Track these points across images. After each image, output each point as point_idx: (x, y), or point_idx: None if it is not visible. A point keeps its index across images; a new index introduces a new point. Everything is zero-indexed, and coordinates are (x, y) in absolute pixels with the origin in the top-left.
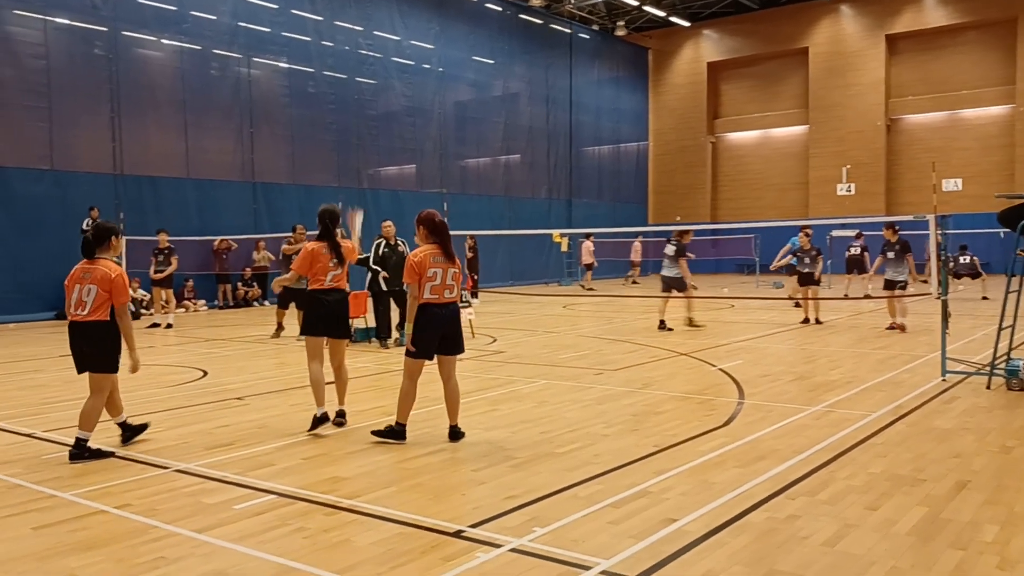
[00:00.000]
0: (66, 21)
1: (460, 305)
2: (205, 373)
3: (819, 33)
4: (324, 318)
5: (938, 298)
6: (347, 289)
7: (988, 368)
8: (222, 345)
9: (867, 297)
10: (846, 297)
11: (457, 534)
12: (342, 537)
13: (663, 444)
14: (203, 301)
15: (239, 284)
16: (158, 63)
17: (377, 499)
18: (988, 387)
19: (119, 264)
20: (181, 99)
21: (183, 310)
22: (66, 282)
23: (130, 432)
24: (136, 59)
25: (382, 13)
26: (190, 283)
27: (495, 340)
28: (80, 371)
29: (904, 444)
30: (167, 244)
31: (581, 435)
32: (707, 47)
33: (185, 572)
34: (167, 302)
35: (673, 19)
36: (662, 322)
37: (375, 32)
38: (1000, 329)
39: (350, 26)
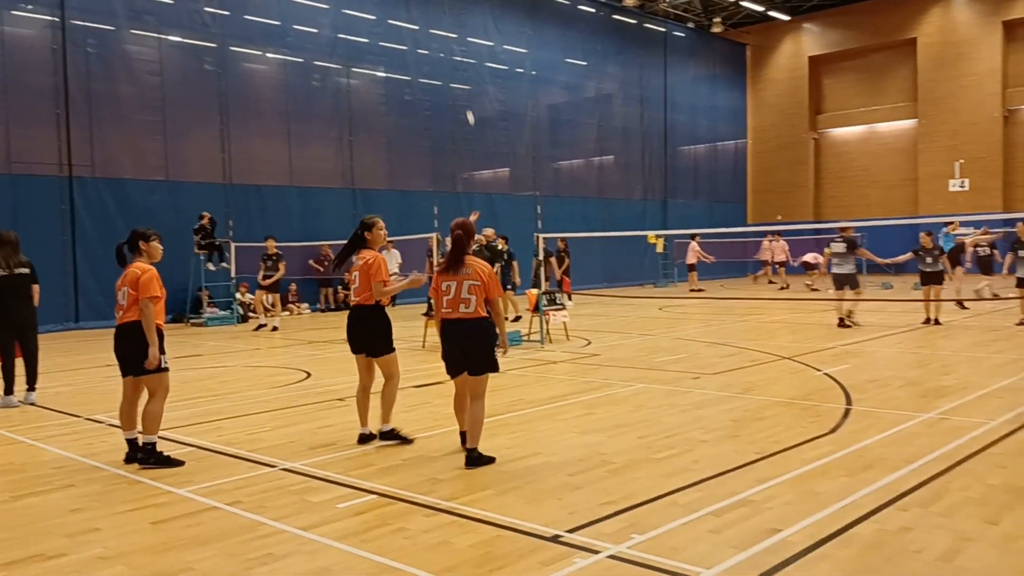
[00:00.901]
0: (178, 39)
1: (552, 308)
2: (309, 374)
3: (928, 23)
4: (351, 334)
5: None
6: (376, 304)
7: None
8: (324, 347)
9: (996, 297)
10: (980, 298)
11: (554, 539)
12: (441, 538)
13: (765, 451)
14: (306, 304)
15: (339, 288)
16: (263, 76)
17: (474, 501)
18: None
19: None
20: (284, 110)
21: (288, 313)
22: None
23: (137, 451)
24: (243, 73)
25: (476, 20)
26: (294, 287)
27: (589, 343)
28: (124, 375)
29: None
30: (275, 250)
31: (679, 441)
32: (808, 41)
33: (291, 568)
34: (272, 305)
35: (772, 13)
36: (841, 320)
37: (469, 38)
38: None
39: (445, 33)
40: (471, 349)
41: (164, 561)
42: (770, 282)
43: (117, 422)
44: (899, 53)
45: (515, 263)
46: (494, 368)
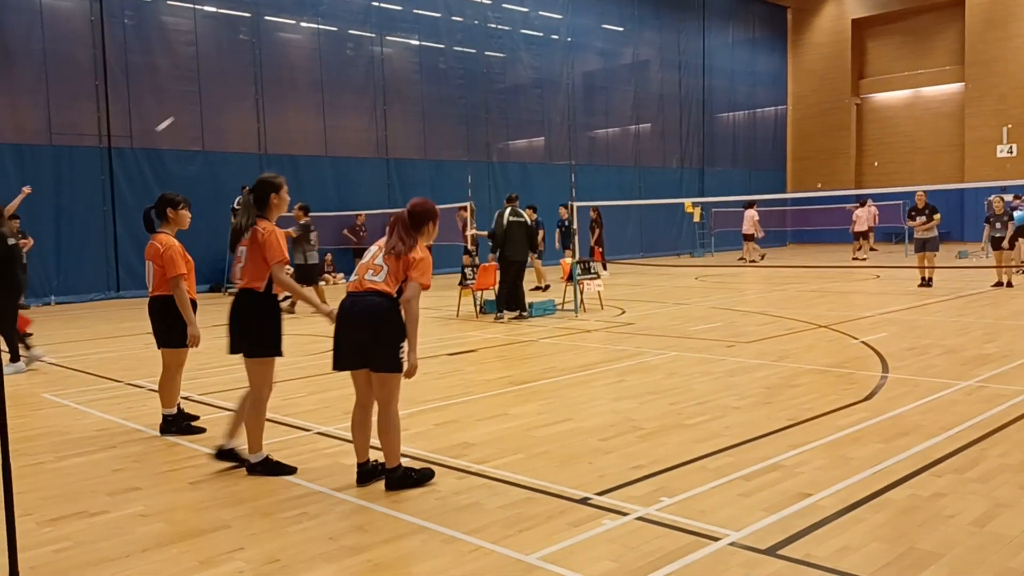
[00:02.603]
0: (213, 9)
1: (587, 277)
2: None
3: None
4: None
5: None
6: (252, 288)
7: None
8: None
9: None
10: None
11: (584, 501)
12: (472, 500)
13: (798, 418)
14: (342, 274)
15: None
16: (297, 46)
17: (505, 465)
18: None
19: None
20: (319, 79)
21: (323, 282)
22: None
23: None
24: (277, 43)
25: None
26: (329, 257)
27: (624, 312)
28: (159, 346)
29: None
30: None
31: (711, 407)
32: (851, 3)
33: (325, 527)
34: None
35: None
36: (924, 279)
37: (504, 5)
38: None
39: (479, 0)
40: (377, 334)
41: (202, 518)
42: (869, 252)
43: (156, 387)
44: (945, 14)
45: (541, 231)
46: (398, 367)
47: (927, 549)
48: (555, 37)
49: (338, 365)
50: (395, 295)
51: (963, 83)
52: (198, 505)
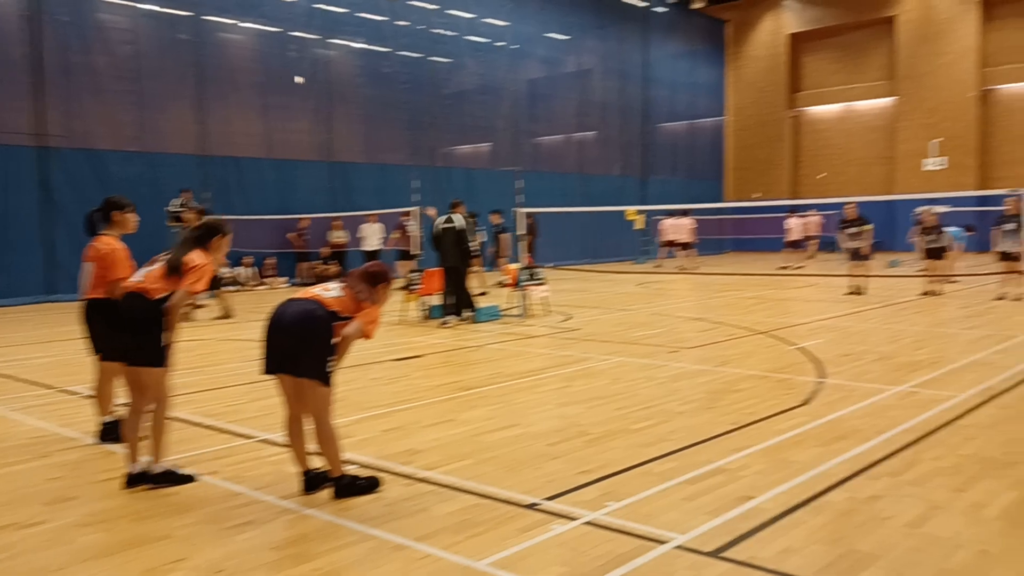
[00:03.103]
0: (152, 7)
1: (532, 283)
2: None
3: (907, 0)
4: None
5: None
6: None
7: None
8: None
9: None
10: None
11: (532, 506)
12: (420, 506)
13: (740, 422)
14: (284, 278)
15: (316, 262)
16: (239, 46)
17: (453, 471)
18: None
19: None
20: (261, 81)
21: (265, 286)
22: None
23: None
24: (218, 43)
25: None
26: (271, 260)
27: (569, 317)
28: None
29: (995, 427)
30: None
31: (656, 412)
32: (788, 18)
33: (271, 535)
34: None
35: None
36: (854, 288)
37: (448, 11)
38: None
39: (424, 5)
40: (303, 340)
41: (142, 528)
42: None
43: (93, 393)
44: (878, 31)
45: (479, 237)
46: (323, 377)
47: (866, 551)
48: (500, 44)
49: (266, 369)
50: (338, 315)
51: (894, 97)
52: (139, 514)
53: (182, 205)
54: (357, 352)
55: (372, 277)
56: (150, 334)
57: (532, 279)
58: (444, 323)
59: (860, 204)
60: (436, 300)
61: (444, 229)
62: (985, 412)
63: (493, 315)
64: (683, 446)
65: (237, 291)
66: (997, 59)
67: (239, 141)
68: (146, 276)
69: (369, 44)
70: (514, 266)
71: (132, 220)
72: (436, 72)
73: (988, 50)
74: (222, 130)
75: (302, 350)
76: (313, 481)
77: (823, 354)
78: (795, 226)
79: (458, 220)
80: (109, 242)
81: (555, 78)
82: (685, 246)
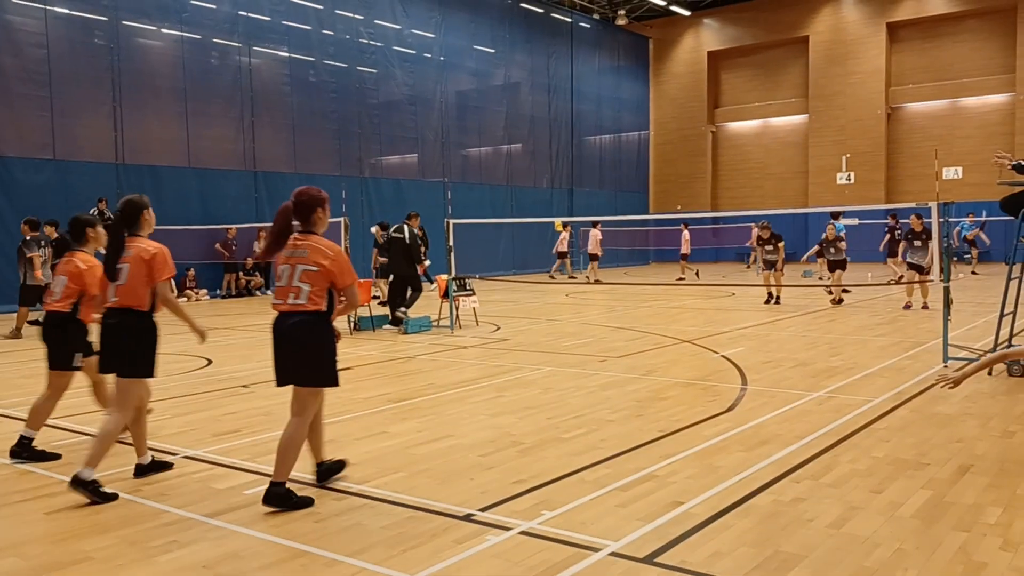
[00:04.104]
0: (66, 10)
1: (462, 293)
2: (210, 361)
3: (820, 21)
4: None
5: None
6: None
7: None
8: (226, 334)
9: (899, 282)
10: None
11: (467, 518)
12: (353, 521)
13: (668, 429)
14: (205, 290)
15: (241, 273)
16: (159, 52)
17: (386, 484)
18: (989, 373)
19: (94, 257)
20: (182, 88)
21: (185, 299)
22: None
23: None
24: (137, 48)
25: (383, 2)
26: (192, 272)
27: (499, 328)
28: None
29: (907, 429)
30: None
31: (587, 421)
32: (707, 36)
33: (198, 555)
34: None
35: (674, 8)
36: (771, 296)
37: (376, 21)
38: (1001, 316)
39: (351, 15)
40: (299, 351)
41: (60, 551)
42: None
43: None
44: (792, 50)
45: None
46: (331, 381)
47: (791, 552)
48: (428, 55)
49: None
50: (324, 310)
51: (807, 115)
52: (56, 536)
53: (99, 214)
54: None
55: (300, 210)
56: (137, 346)
57: (461, 289)
58: (402, 330)
59: (776, 216)
60: (364, 312)
61: (392, 239)
62: (897, 415)
63: (424, 326)
64: (614, 454)
65: None
66: (901, 79)
67: (158, 149)
68: (117, 292)
69: (294, 53)
70: (443, 277)
71: (103, 235)
72: (364, 82)
73: (894, 71)
74: (140, 137)
75: (306, 360)
76: (328, 471)
77: (744, 361)
78: (688, 238)
79: (408, 231)
80: (87, 259)
81: (484, 90)
82: (592, 257)
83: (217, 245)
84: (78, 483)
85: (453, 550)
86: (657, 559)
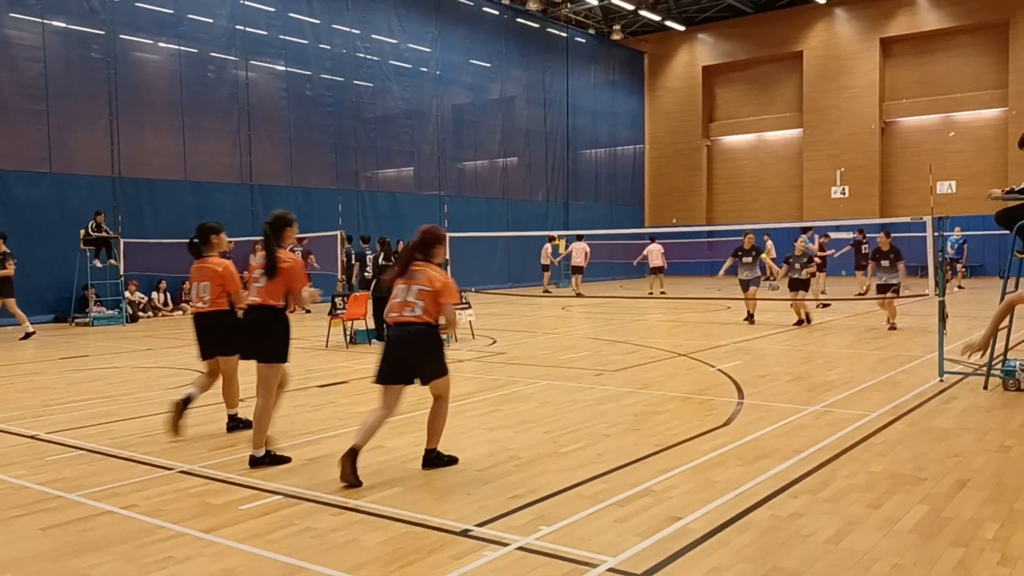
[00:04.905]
0: (63, 24)
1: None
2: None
3: (813, 37)
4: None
5: (935, 296)
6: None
7: (985, 369)
8: None
9: (864, 295)
10: (864, 295)
11: (464, 533)
12: (349, 536)
13: (665, 443)
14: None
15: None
16: (155, 66)
17: (383, 499)
18: (985, 387)
19: (226, 258)
20: (178, 102)
21: (181, 312)
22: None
23: (236, 424)
24: (134, 62)
25: (379, 17)
26: (186, 285)
27: (495, 341)
28: (205, 358)
29: (904, 443)
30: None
31: (584, 435)
32: (702, 51)
33: (194, 571)
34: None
35: (668, 23)
36: (749, 315)
37: (372, 35)
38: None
39: (347, 29)
40: (421, 354)
41: (56, 568)
42: (662, 293)
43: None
44: (786, 65)
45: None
46: (445, 371)
47: (790, 567)
48: (424, 70)
49: (380, 380)
50: (435, 322)
51: (801, 129)
52: (52, 554)
53: (96, 227)
54: None
55: (424, 245)
56: (274, 337)
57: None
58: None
59: (772, 231)
60: (361, 325)
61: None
62: (894, 429)
63: None
64: (611, 468)
65: (150, 317)
66: (895, 94)
67: (154, 163)
68: (258, 292)
69: (291, 67)
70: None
71: (225, 239)
72: (360, 96)
73: (887, 85)
74: (137, 151)
75: (425, 362)
76: (434, 462)
77: (740, 375)
78: (655, 251)
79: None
80: (220, 261)
81: (479, 104)
82: (577, 269)
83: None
84: (255, 463)
85: (450, 566)
86: (655, 575)
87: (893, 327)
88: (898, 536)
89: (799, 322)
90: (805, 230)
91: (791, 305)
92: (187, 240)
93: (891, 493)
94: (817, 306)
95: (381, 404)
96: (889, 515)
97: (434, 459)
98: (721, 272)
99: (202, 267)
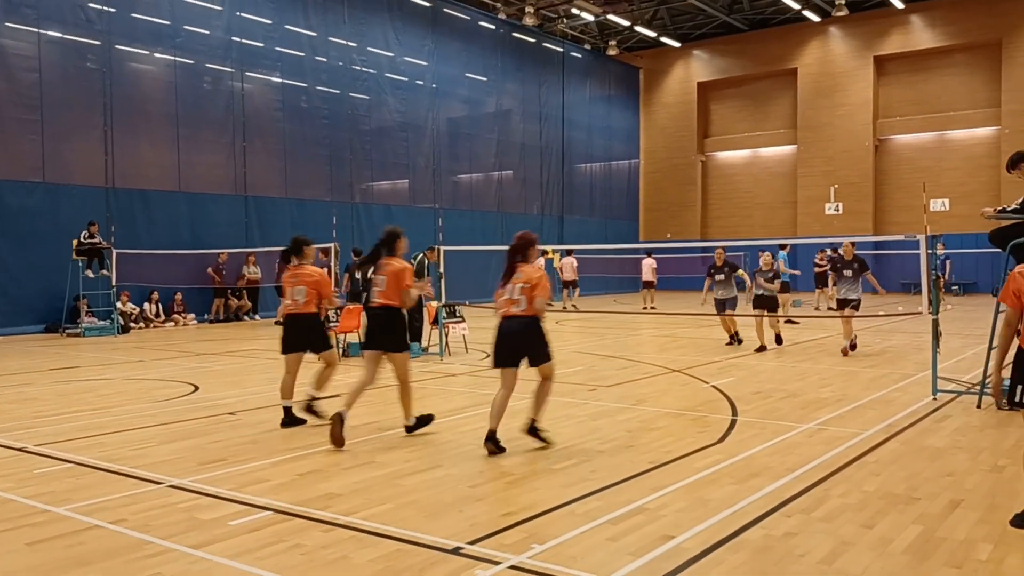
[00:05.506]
0: (59, 34)
1: (452, 320)
2: (196, 388)
3: (808, 54)
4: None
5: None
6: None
7: (978, 387)
8: (213, 359)
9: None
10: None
11: (455, 551)
12: (340, 554)
13: (658, 461)
14: (192, 315)
15: (231, 297)
16: (151, 77)
17: (373, 516)
18: (978, 406)
19: (319, 267)
20: (174, 113)
21: (172, 324)
22: (283, 283)
23: (311, 413)
24: (129, 73)
25: (376, 30)
26: (179, 296)
27: (488, 355)
28: (291, 351)
29: (897, 462)
30: None
31: (577, 451)
32: (697, 67)
33: None
34: None
35: (664, 39)
36: (731, 336)
37: (369, 48)
38: (990, 348)
39: (344, 42)
40: (528, 342)
41: None
42: (653, 307)
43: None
44: (781, 82)
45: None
46: (549, 356)
47: None
48: (420, 83)
49: (498, 363)
50: (536, 315)
51: (795, 145)
52: (38, 569)
53: (89, 237)
54: (270, 392)
55: (517, 251)
56: (396, 332)
57: (451, 316)
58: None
59: (766, 247)
60: (354, 338)
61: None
62: (887, 448)
63: (414, 353)
64: (604, 485)
65: (142, 328)
66: (889, 112)
67: (149, 173)
68: (380, 295)
69: (287, 79)
70: (433, 304)
71: (314, 250)
72: (356, 108)
73: (881, 103)
74: (131, 162)
75: (532, 348)
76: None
77: (734, 392)
78: (647, 267)
79: (419, 260)
80: (315, 270)
81: (475, 118)
82: (568, 284)
83: (209, 269)
84: (410, 429)
85: None
86: None
87: (853, 347)
88: (891, 557)
89: (761, 347)
90: (783, 246)
91: (756, 328)
92: (180, 252)
93: (884, 513)
94: (784, 321)
95: (502, 385)
96: (882, 535)
97: (534, 430)
98: (703, 294)
99: (299, 273)
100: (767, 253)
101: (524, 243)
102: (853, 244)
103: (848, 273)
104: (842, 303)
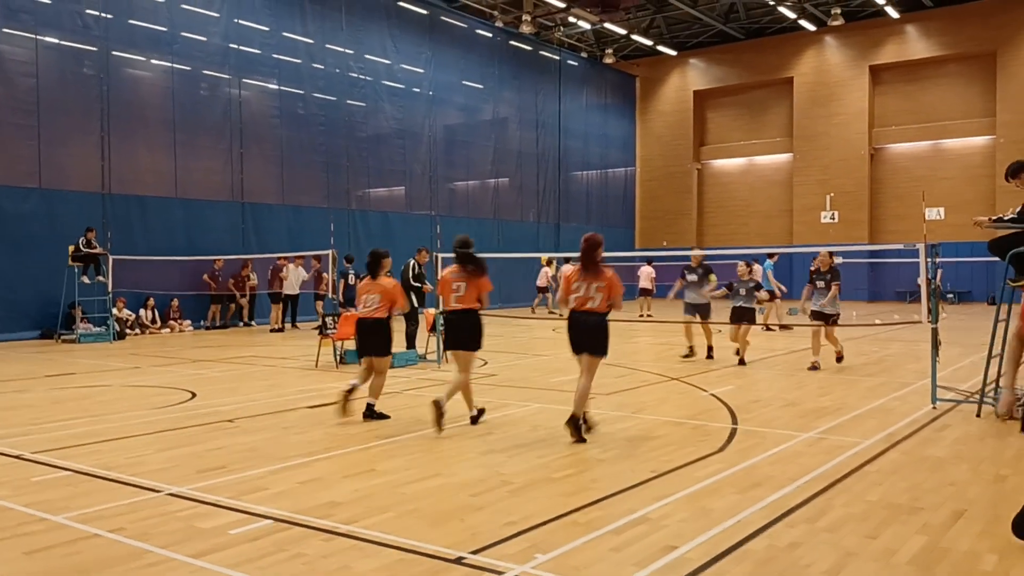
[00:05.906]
0: (56, 40)
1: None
2: (194, 395)
3: (804, 63)
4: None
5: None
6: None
7: (978, 396)
8: (210, 366)
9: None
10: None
11: (458, 560)
12: (341, 563)
13: (660, 470)
14: (188, 321)
15: (239, 299)
16: (148, 83)
17: (375, 524)
18: (978, 415)
19: (392, 277)
20: (171, 119)
21: (168, 330)
22: (358, 291)
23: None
24: (126, 79)
25: (373, 37)
26: (175, 303)
27: (486, 363)
28: (365, 355)
29: (899, 472)
30: None
31: (577, 460)
32: (693, 76)
33: None
34: None
35: (660, 48)
36: (707, 348)
37: (366, 55)
38: (989, 357)
39: (341, 49)
40: (597, 336)
41: None
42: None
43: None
44: (777, 91)
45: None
46: (606, 352)
47: None
48: (417, 90)
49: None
50: (606, 310)
51: (791, 154)
52: None
53: (87, 243)
54: (268, 399)
55: (590, 252)
56: (474, 332)
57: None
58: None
59: (760, 255)
60: (351, 345)
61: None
62: (888, 458)
63: (410, 360)
64: (606, 495)
65: (138, 334)
66: (884, 121)
67: (145, 179)
68: (459, 300)
69: (284, 85)
70: (431, 311)
71: (389, 263)
72: (352, 115)
73: (877, 112)
74: (127, 168)
75: (594, 341)
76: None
77: (733, 400)
78: (645, 274)
79: (412, 265)
80: (391, 281)
81: (471, 125)
82: (644, 292)
83: (205, 276)
84: (474, 420)
85: None
86: None
87: (840, 359)
88: (896, 568)
89: (741, 361)
90: (770, 255)
91: (732, 338)
92: (176, 258)
93: (888, 523)
94: (765, 330)
95: (581, 372)
96: (887, 546)
97: (575, 422)
98: (671, 295)
99: (374, 283)
100: (742, 263)
101: (595, 243)
102: (831, 254)
103: (821, 284)
104: (817, 316)
